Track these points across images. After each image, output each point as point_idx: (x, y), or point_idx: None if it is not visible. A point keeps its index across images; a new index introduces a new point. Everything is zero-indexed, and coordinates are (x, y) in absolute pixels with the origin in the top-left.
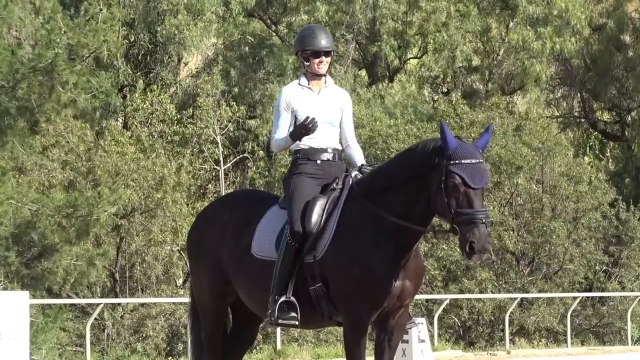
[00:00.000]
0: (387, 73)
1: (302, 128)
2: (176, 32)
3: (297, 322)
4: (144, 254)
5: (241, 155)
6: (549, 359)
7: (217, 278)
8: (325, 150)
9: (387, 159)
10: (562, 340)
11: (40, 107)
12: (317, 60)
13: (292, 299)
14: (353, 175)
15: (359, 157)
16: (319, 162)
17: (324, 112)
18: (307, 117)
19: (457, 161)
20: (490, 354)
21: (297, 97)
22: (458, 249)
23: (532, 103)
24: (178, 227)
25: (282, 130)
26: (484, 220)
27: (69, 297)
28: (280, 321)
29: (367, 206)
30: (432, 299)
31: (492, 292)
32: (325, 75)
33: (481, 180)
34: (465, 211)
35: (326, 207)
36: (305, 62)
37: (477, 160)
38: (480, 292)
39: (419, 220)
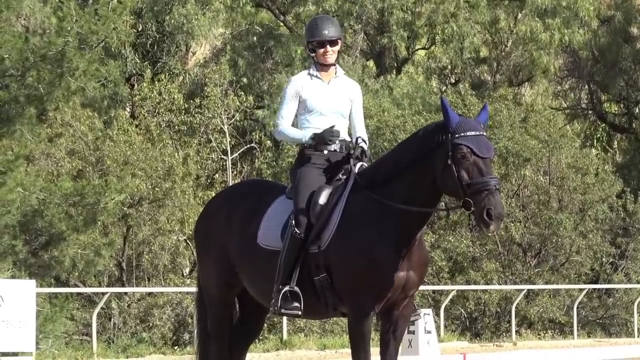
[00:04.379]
0: (395, 64)
1: (325, 137)
2: (184, 21)
3: (300, 312)
4: (151, 244)
5: (248, 145)
6: (555, 350)
7: (223, 268)
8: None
9: None
10: (568, 332)
11: (49, 95)
12: (322, 51)
13: (296, 288)
14: (358, 166)
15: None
16: (326, 152)
17: (334, 102)
18: (333, 127)
19: (462, 134)
20: (497, 345)
21: (306, 86)
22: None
23: (540, 94)
24: (185, 217)
25: (288, 119)
26: (497, 187)
27: (75, 286)
28: (283, 311)
29: (371, 197)
30: (438, 290)
31: (499, 284)
32: (334, 65)
33: (488, 151)
34: (477, 180)
35: (331, 198)
36: (312, 53)
37: (481, 133)
38: (487, 283)
39: (423, 205)
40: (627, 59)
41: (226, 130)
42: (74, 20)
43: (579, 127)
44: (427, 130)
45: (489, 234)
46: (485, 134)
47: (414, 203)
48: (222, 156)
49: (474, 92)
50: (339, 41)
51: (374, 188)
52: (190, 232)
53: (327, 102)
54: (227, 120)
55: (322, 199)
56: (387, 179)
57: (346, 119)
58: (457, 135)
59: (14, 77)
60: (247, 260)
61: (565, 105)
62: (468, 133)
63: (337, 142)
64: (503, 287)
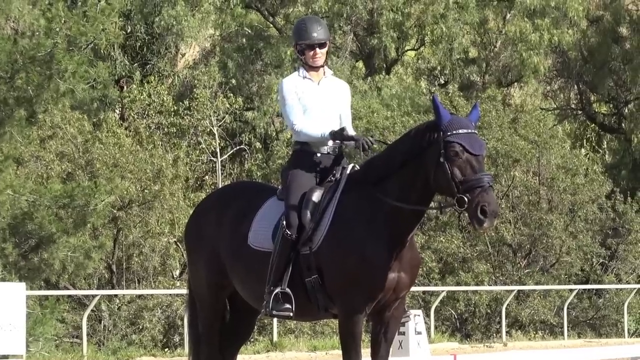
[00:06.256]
0: (385, 65)
1: (341, 132)
2: (174, 23)
3: (291, 314)
4: (141, 246)
5: (238, 147)
6: (545, 351)
7: (214, 270)
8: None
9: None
10: (559, 332)
11: (38, 97)
12: (311, 53)
13: (288, 290)
14: (349, 167)
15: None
16: (319, 154)
17: (325, 102)
18: (366, 139)
19: (453, 132)
20: (487, 346)
21: (299, 87)
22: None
23: (530, 95)
24: (175, 219)
25: (301, 118)
26: (490, 184)
27: (65, 288)
28: (274, 312)
29: (363, 198)
30: (428, 291)
31: (489, 285)
32: (323, 67)
33: (480, 148)
34: (470, 178)
35: (322, 199)
36: (300, 55)
37: (473, 131)
38: (477, 284)
39: (415, 204)
40: (616, 59)
41: (216, 132)
42: (63, 22)
43: (568, 128)
44: (419, 129)
45: (482, 232)
46: (476, 132)
47: (407, 203)
48: (212, 158)
49: (463, 93)
50: (328, 43)
51: (366, 188)
52: (180, 234)
53: (319, 102)
54: (217, 122)
55: (314, 201)
56: (379, 178)
57: (337, 118)
58: (449, 133)
59: (2, 79)
60: (238, 261)
61: (555, 106)
62: (460, 131)
63: (330, 144)
64: (493, 288)
